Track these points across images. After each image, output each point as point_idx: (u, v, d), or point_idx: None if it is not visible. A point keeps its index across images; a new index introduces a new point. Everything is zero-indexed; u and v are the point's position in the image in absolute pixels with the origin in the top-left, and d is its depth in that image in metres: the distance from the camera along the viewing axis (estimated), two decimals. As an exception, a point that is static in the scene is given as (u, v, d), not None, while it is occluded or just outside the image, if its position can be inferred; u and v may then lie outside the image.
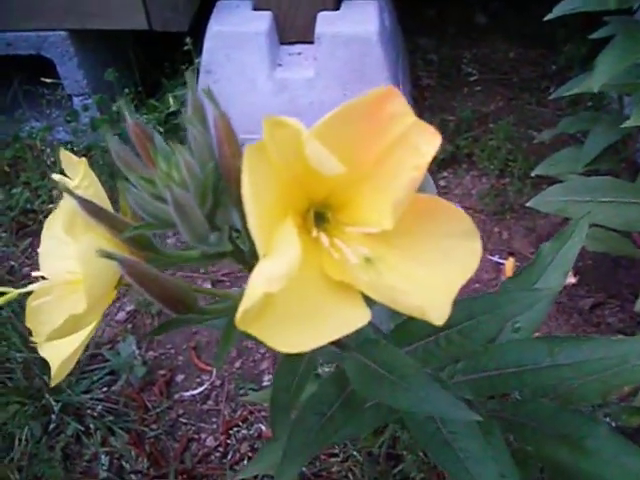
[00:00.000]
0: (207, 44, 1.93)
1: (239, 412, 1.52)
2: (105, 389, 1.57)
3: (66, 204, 0.51)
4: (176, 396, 1.57)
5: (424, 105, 2.26)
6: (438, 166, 2.04)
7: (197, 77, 2.07)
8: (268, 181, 0.41)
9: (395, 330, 0.76)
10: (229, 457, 1.45)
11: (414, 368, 0.62)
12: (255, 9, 1.98)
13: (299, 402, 0.68)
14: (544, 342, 0.81)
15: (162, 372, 1.61)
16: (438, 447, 0.74)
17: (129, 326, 1.71)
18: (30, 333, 0.59)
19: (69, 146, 2.13)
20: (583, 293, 1.68)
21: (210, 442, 1.48)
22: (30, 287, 0.56)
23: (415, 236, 0.48)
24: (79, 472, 1.43)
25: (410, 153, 0.45)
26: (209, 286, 1.73)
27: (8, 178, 2.11)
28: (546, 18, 1.35)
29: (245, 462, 1.43)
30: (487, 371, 0.81)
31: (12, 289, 0.56)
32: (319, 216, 0.47)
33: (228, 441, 1.47)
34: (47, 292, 0.57)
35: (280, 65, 1.96)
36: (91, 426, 1.49)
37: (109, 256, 0.43)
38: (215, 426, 1.51)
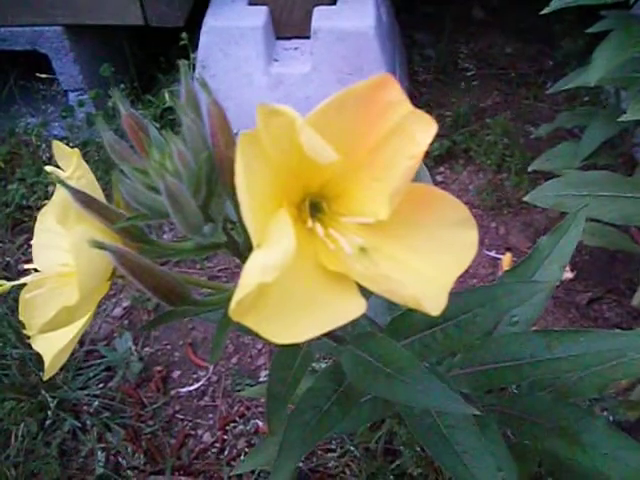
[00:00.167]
0: (203, 39, 1.92)
1: (236, 408, 1.52)
2: (101, 385, 1.57)
3: (59, 195, 0.50)
4: (172, 392, 1.57)
5: (421, 100, 2.25)
6: (435, 161, 2.04)
7: (193, 72, 2.07)
8: (262, 170, 0.41)
9: (391, 323, 0.75)
10: (226, 453, 1.44)
11: (411, 361, 0.61)
12: (251, 4, 1.98)
13: (295, 396, 0.68)
14: (542, 335, 0.81)
15: (158, 368, 1.60)
16: (435, 441, 0.73)
17: (125, 322, 1.70)
18: (23, 327, 0.59)
19: (64, 142, 2.10)
20: (580, 288, 1.68)
21: (207, 438, 1.48)
22: (23, 279, 0.56)
23: (411, 226, 0.47)
24: (75, 468, 1.43)
25: (406, 142, 0.44)
26: (205, 282, 1.72)
27: (3, 174, 2.10)
28: (543, 12, 1.34)
29: (242, 458, 1.42)
30: (484, 364, 0.81)
31: (4, 281, 0.56)
32: (314, 206, 0.47)
33: (225, 437, 1.47)
34: (40, 285, 0.56)
35: (276, 60, 1.95)
36: (87, 422, 1.49)
37: (102, 246, 0.43)
38: (212, 422, 1.50)
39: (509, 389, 1.00)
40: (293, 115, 0.40)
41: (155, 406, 1.53)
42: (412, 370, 0.61)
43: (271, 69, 1.92)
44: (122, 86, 2.12)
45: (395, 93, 0.43)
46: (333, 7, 1.94)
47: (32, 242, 0.60)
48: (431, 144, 0.44)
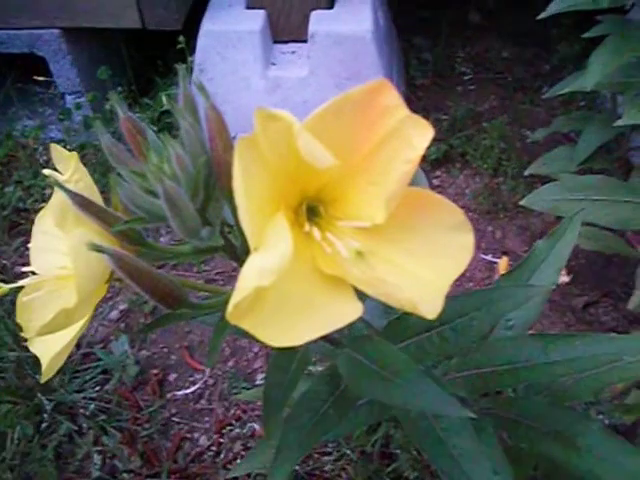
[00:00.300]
0: (200, 43, 1.92)
1: (232, 411, 1.52)
2: (98, 388, 1.56)
3: (57, 198, 0.51)
4: (169, 395, 1.56)
5: (418, 104, 2.26)
6: (432, 165, 2.04)
7: (190, 76, 2.07)
8: (260, 174, 0.41)
9: (388, 327, 0.76)
10: (222, 456, 1.44)
11: (407, 364, 0.61)
12: (248, 7, 1.98)
13: (292, 399, 0.68)
14: (538, 339, 0.81)
15: (155, 371, 1.60)
16: (431, 444, 0.73)
17: (122, 325, 1.70)
18: (20, 329, 0.59)
19: (62, 145, 2.10)
20: (576, 291, 1.68)
21: (203, 441, 1.48)
22: (21, 282, 0.56)
23: (407, 230, 0.47)
24: (71, 471, 1.43)
25: (403, 146, 0.44)
26: (202, 285, 1.73)
27: (1, 177, 2.10)
28: (540, 17, 1.35)
29: (238, 461, 1.42)
30: (480, 368, 0.81)
31: (2, 284, 0.56)
32: (311, 210, 0.47)
33: (221, 440, 1.47)
34: (38, 287, 0.57)
35: (273, 64, 1.96)
36: (84, 425, 1.49)
37: (100, 249, 0.43)
38: (208, 425, 1.50)
39: (505, 392, 1.00)
40: (291, 120, 0.40)
41: (151, 409, 1.53)
42: (408, 373, 0.61)
43: (268, 73, 1.92)
44: (119, 89, 2.12)
45: (392, 98, 0.44)
46: (330, 11, 1.95)
47: (29, 245, 0.61)
48: (428, 148, 0.44)
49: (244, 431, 1.48)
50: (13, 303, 1.60)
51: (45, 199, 1.96)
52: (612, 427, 1.19)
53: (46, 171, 0.54)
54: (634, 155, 1.73)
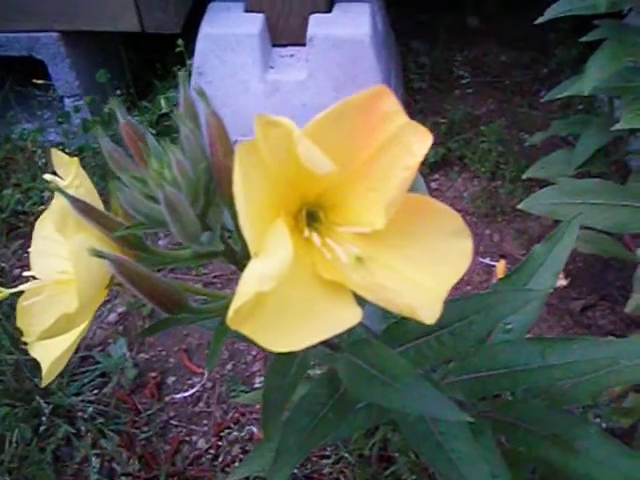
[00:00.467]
0: (199, 46, 1.93)
1: (230, 414, 1.52)
2: (96, 391, 1.56)
3: (58, 203, 0.51)
4: (167, 398, 1.57)
5: (416, 108, 2.26)
6: (430, 168, 2.04)
7: (189, 79, 2.07)
8: (260, 180, 0.41)
9: (387, 331, 0.76)
10: (220, 459, 1.44)
11: (406, 368, 0.62)
12: (247, 11, 1.98)
13: (291, 403, 0.68)
14: (536, 343, 0.82)
15: (153, 374, 1.60)
16: (429, 448, 0.74)
17: (120, 328, 1.70)
18: (21, 333, 0.59)
19: (60, 148, 2.13)
20: (574, 295, 1.69)
21: (201, 444, 1.48)
22: (21, 287, 0.56)
23: (406, 236, 0.48)
24: (70, 474, 1.43)
25: (402, 153, 0.45)
26: (201, 288, 1.73)
27: (-1, 179, 2.11)
28: (537, 21, 1.35)
29: (236, 464, 1.42)
30: (479, 372, 0.81)
31: (3, 289, 0.56)
32: (311, 216, 0.47)
33: (219, 443, 1.47)
34: (38, 292, 0.57)
35: (272, 67, 1.96)
36: (82, 428, 1.49)
37: (100, 255, 0.43)
38: (206, 428, 1.50)
39: (503, 396, 1.00)
40: (291, 126, 0.40)
41: (150, 412, 1.53)
42: (407, 377, 0.62)
43: (267, 76, 1.93)
44: (118, 92, 2.12)
45: (391, 104, 0.44)
46: (329, 15, 1.95)
47: (27, 248, 0.61)
48: (426, 151, 0.45)
49: (242, 434, 1.48)
50: (11, 306, 1.61)
51: (44, 202, 1.97)
52: (609, 430, 1.19)
53: (47, 176, 0.54)
54: (632, 159, 1.74)
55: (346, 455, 1.37)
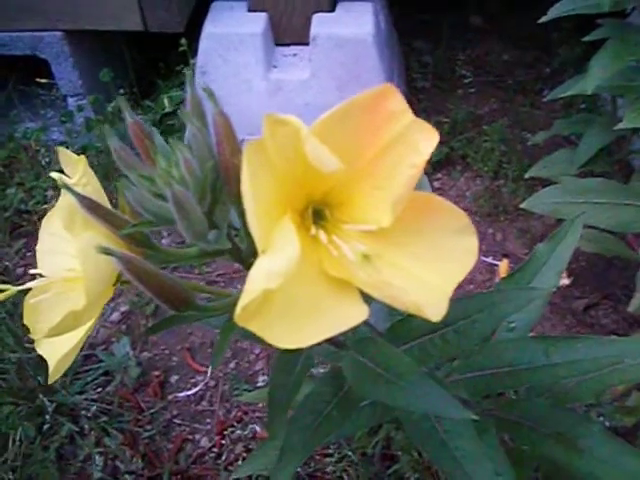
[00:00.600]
0: (202, 45, 1.93)
1: (233, 413, 1.52)
2: (99, 390, 1.57)
3: (65, 201, 0.51)
4: (170, 397, 1.57)
5: (419, 107, 2.26)
6: (432, 168, 2.05)
7: (192, 78, 2.07)
8: (267, 178, 0.42)
9: (391, 329, 0.76)
10: (223, 458, 1.45)
11: (410, 366, 0.62)
12: (250, 10, 1.98)
13: (295, 401, 0.68)
14: (539, 341, 0.82)
15: (156, 373, 1.61)
16: (434, 446, 0.74)
17: (123, 327, 1.71)
18: (24, 333, 0.59)
19: (63, 147, 2.12)
20: (577, 294, 1.69)
21: (204, 443, 1.48)
22: (28, 284, 0.56)
23: (412, 234, 0.48)
24: (73, 473, 1.43)
25: (408, 151, 0.45)
26: (204, 287, 1.73)
27: (2, 178, 2.11)
28: (541, 20, 1.35)
29: (240, 463, 1.43)
30: (483, 370, 0.82)
31: (10, 286, 0.56)
32: (317, 214, 0.48)
33: (222, 442, 1.47)
34: (45, 289, 0.57)
35: (275, 66, 1.96)
36: (85, 427, 1.49)
37: (109, 252, 0.43)
38: (209, 427, 1.51)
39: (507, 394, 1.01)
40: (298, 125, 0.41)
41: (153, 411, 1.53)
42: (411, 375, 0.62)
43: (270, 75, 1.93)
44: (121, 91, 2.13)
45: (397, 103, 0.44)
46: (332, 14, 1.95)
47: (32, 247, 0.61)
48: (429, 151, 0.45)
49: (245, 433, 1.48)
50: (15, 305, 1.61)
51: (47, 201, 1.97)
52: (612, 429, 1.19)
53: (54, 174, 0.54)
54: (635, 158, 1.74)
55: (349, 453, 1.38)
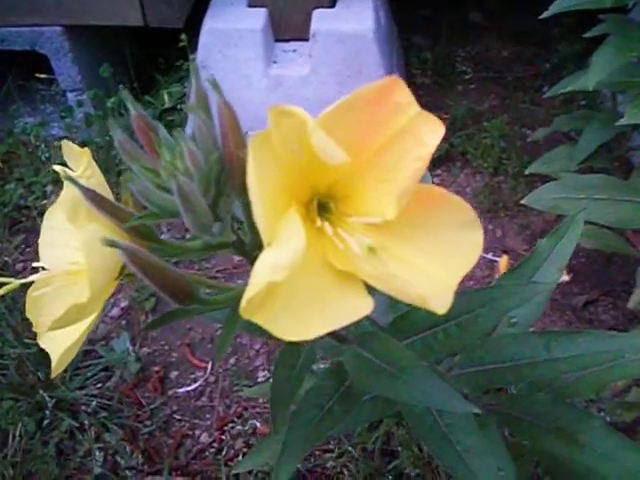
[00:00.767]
0: (202, 41, 1.93)
1: (233, 408, 1.52)
2: (99, 385, 1.57)
3: (68, 194, 0.51)
4: (170, 392, 1.57)
5: (418, 103, 2.25)
6: (432, 164, 2.04)
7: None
8: (273, 170, 0.42)
9: (393, 323, 0.76)
10: (223, 453, 1.45)
11: (413, 360, 0.62)
12: (250, 6, 1.98)
13: (297, 396, 0.68)
14: (541, 336, 0.82)
15: (156, 368, 1.61)
16: (436, 440, 0.74)
17: (123, 322, 1.71)
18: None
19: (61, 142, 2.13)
20: (576, 290, 1.69)
21: (204, 438, 1.48)
22: (31, 277, 0.56)
23: (417, 226, 0.48)
24: (73, 468, 1.43)
25: (414, 143, 0.45)
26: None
27: (2, 174, 2.11)
28: (542, 16, 1.35)
29: (240, 458, 1.43)
30: (484, 365, 0.82)
31: (13, 280, 0.56)
32: (322, 206, 0.47)
33: (222, 437, 1.47)
34: (47, 282, 0.57)
35: (275, 62, 1.96)
36: (85, 422, 1.49)
37: (113, 244, 0.43)
38: (209, 422, 1.51)
39: (508, 389, 1.01)
40: (304, 117, 0.41)
41: (153, 406, 1.53)
42: (414, 369, 0.62)
43: (270, 71, 1.93)
44: (121, 86, 2.12)
45: (403, 95, 0.44)
46: (332, 10, 1.95)
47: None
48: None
49: (245, 428, 1.48)
50: (14, 300, 1.61)
51: (46, 196, 1.97)
52: (612, 425, 1.19)
53: (57, 167, 0.54)
54: (634, 154, 1.74)
55: (349, 449, 1.38)
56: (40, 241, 0.60)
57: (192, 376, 1.60)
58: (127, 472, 1.42)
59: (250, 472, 1.36)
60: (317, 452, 1.40)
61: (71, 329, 0.53)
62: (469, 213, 0.49)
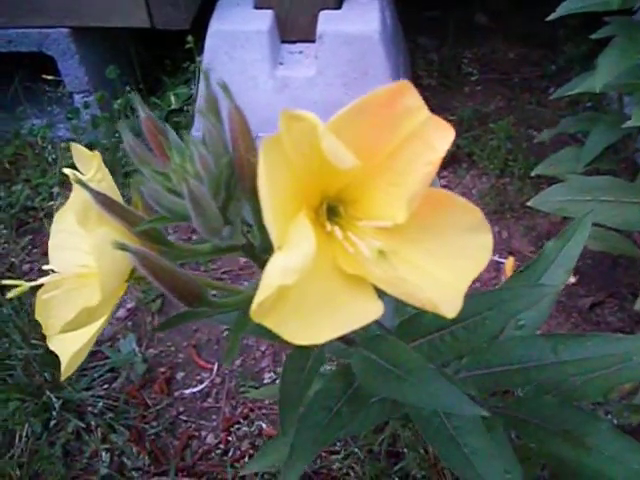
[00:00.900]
0: (208, 42, 1.93)
1: (239, 410, 1.53)
2: (106, 386, 1.57)
3: (78, 197, 0.51)
4: (176, 393, 1.57)
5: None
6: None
7: (198, 75, 2.08)
8: (284, 175, 0.42)
9: (400, 326, 0.76)
10: (229, 454, 1.45)
11: (421, 363, 0.62)
12: (256, 7, 1.98)
13: (306, 397, 0.68)
14: (548, 339, 0.82)
15: (162, 369, 1.61)
16: (443, 442, 0.74)
17: (129, 323, 1.71)
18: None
19: (70, 143, 2.13)
20: (583, 292, 1.69)
21: (210, 439, 1.48)
22: (41, 280, 0.57)
23: (427, 230, 0.48)
24: (79, 469, 1.43)
25: (424, 148, 0.45)
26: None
27: (8, 175, 2.11)
28: (549, 18, 1.35)
29: (246, 459, 1.43)
30: (491, 367, 0.82)
31: (23, 282, 0.56)
32: (331, 210, 0.48)
33: (229, 438, 1.48)
34: (57, 285, 0.57)
35: (281, 63, 1.96)
36: (92, 423, 1.49)
37: (124, 248, 0.44)
38: (215, 423, 1.51)
39: (515, 392, 1.01)
40: (315, 121, 0.41)
41: (159, 407, 1.54)
42: (422, 372, 0.62)
43: (276, 72, 1.93)
44: (127, 88, 2.13)
45: (413, 99, 0.44)
46: (338, 11, 1.95)
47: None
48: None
49: (251, 429, 1.48)
50: (21, 302, 1.61)
51: (53, 198, 1.97)
52: (620, 427, 1.19)
53: (66, 170, 0.54)
54: (641, 156, 1.74)
55: (355, 450, 1.38)
56: (50, 244, 0.60)
57: (198, 377, 1.60)
58: (133, 473, 1.42)
59: (256, 474, 1.37)
60: (323, 453, 1.40)
61: (81, 332, 0.53)
62: (478, 216, 0.49)
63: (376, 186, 0.47)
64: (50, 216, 1.88)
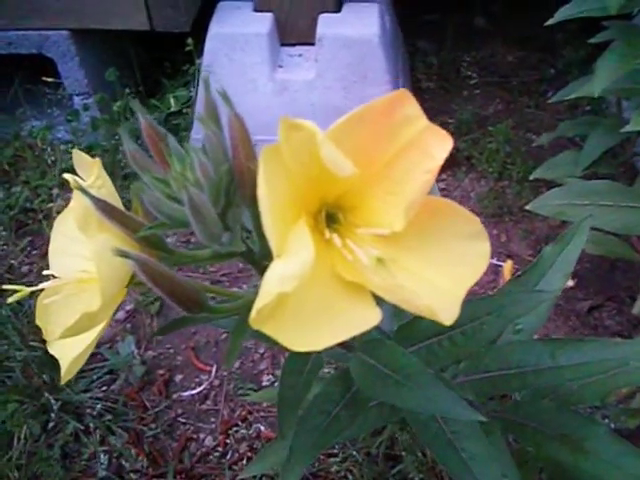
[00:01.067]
0: (208, 45, 1.93)
1: (238, 412, 1.53)
2: (104, 388, 1.57)
3: (79, 203, 0.51)
4: (175, 396, 1.57)
5: (423, 108, 2.24)
6: (437, 168, 2.04)
7: (198, 78, 2.09)
8: (283, 183, 0.42)
9: (398, 331, 0.76)
10: (228, 457, 1.45)
11: (420, 368, 0.62)
12: (256, 10, 1.99)
13: (304, 401, 0.69)
14: (546, 344, 0.82)
15: (161, 372, 1.61)
16: (441, 447, 0.74)
17: (128, 326, 1.71)
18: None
19: (69, 145, 2.14)
20: (581, 296, 1.69)
21: (209, 442, 1.48)
22: (41, 285, 0.57)
23: (425, 238, 0.48)
24: (78, 471, 1.44)
25: (422, 156, 0.45)
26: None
27: (8, 177, 2.11)
28: (547, 23, 1.35)
29: (244, 462, 1.43)
30: (489, 372, 0.82)
31: (23, 287, 0.57)
32: (330, 217, 0.48)
33: (227, 441, 1.48)
34: (57, 290, 0.57)
35: (281, 66, 1.97)
36: (90, 425, 1.50)
37: (124, 255, 0.44)
38: (214, 426, 1.51)
39: (513, 396, 1.01)
40: (314, 130, 0.41)
41: (157, 409, 1.54)
42: (420, 377, 0.62)
43: (276, 75, 1.93)
44: (127, 90, 2.13)
45: (412, 108, 0.45)
46: (338, 15, 1.96)
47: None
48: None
49: (250, 432, 1.48)
50: (20, 304, 1.61)
51: (52, 200, 1.97)
52: (617, 431, 1.19)
53: (67, 176, 0.54)
54: (639, 160, 1.74)
55: (353, 453, 1.38)
56: (50, 248, 0.61)
57: (197, 379, 1.60)
58: (132, 475, 1.43)
59: (255, 476, 1.37)
60: (321, 456, 1.40)
61: (81, 337, 0.53)
62: (476, 224, 0.49)
63: (374, 194, 0.47)
64: (49, 218, 1.89)
